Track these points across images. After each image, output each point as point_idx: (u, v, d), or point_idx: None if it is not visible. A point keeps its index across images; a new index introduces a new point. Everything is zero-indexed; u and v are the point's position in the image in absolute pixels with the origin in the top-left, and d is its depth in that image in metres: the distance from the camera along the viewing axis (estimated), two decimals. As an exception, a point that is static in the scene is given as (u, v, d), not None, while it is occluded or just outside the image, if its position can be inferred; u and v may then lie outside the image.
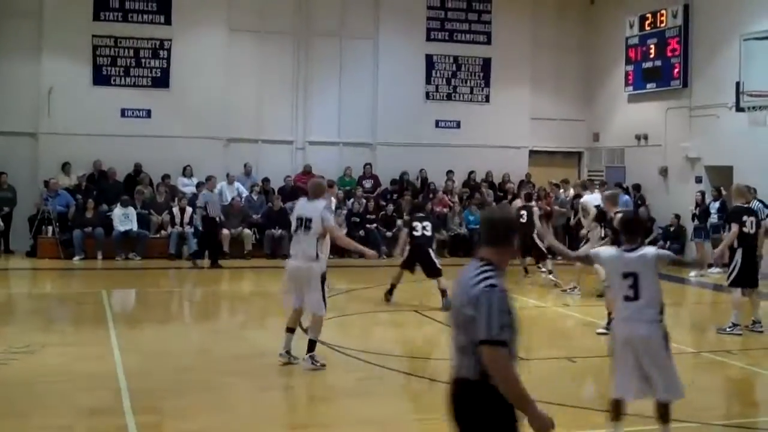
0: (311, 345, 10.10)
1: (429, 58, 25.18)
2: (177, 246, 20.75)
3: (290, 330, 10.18)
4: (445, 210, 23.10)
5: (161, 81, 22.97)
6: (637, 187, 23.54)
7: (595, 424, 8.08)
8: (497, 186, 24.72)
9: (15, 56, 21.94)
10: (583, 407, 8.76)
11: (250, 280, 18.97)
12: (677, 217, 21.70)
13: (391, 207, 22.73)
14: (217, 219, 19.86)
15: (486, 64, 25.56)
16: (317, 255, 9.90)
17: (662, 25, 23.10)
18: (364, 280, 17.44)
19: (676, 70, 22.61)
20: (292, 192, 22.33)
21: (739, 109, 17.03)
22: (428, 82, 25.20)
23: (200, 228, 20.23)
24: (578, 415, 8.40)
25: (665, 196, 22.78)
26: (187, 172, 22.61)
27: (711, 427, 8.25)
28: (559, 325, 14.35)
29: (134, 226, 20.71)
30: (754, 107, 16.51)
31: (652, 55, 23.51)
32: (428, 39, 25.18)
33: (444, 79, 25.37)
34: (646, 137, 24.03)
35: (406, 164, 24.36)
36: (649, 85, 23.67)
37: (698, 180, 21.90)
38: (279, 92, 23.90)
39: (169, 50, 22.98)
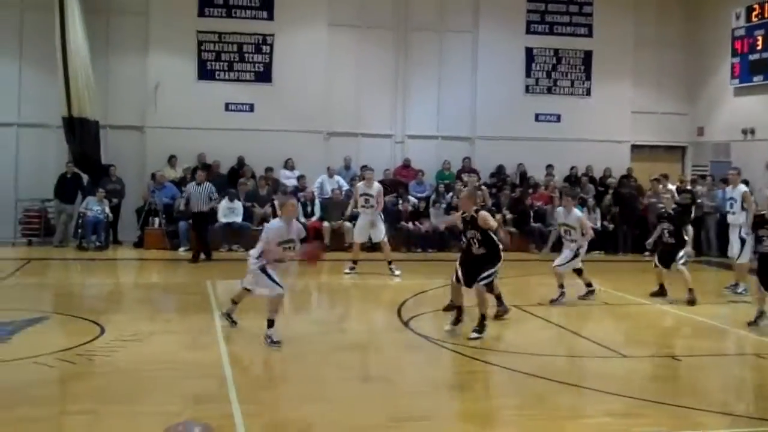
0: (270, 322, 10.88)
1: (529, 51, 24.99)
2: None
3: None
4: (545, 205, 22.85)
5: (264, 75, 23.34)
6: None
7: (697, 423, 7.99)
8: (598, 181, 24.39)
9: (123, 53, 22.61)
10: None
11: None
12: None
13: (490, 201, 22.61)
14: (205, 211, 19.41)
15: (587, 57, 25.25)
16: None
17: (773, 17, 22.52)
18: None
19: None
20: (391, 185, 22.44)
21: None
22: (528, 75, 25.02)
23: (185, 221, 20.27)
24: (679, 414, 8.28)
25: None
26: (288, 165, 22.93)
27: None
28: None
29: (239, 218, 21.09)
30: None
31: (759, 47, 22.90)
32: (528, 32, 24.99)
33: (544, 72, 25.16)
34: (753, 131, 23.41)
35: (505, 158, 24.26)
36: (756, 78, 23.05)
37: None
38: (378, 86, 24.08)
39: (271, 45, 23.33)
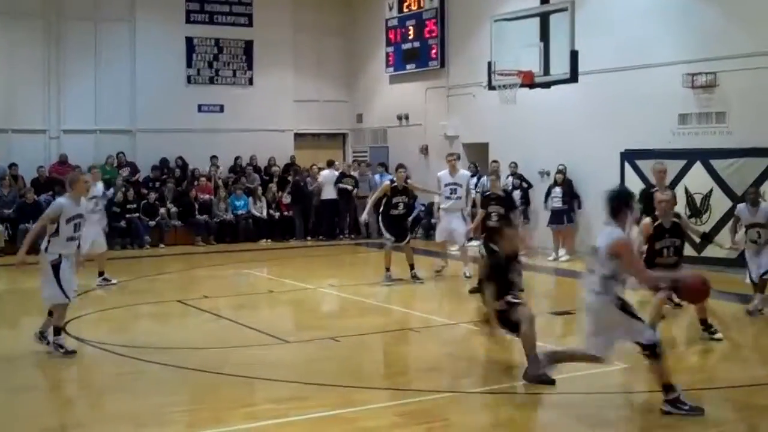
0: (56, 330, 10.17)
1: (189, 41, 24.61)
2: None
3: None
4: (210, 196, 22.63)
5: None
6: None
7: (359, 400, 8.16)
8: (263, 170, 24.55)
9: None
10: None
11: (3, 278, 17.82)
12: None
13: (153, 195, 22.02)
14: None
15: (248, 46, 25.29)
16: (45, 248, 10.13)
17: (420, 6, 23.66)
18: (125, 273, 16.80)
19: (434, 51, 23.24)
20: (46, 183, 21.25)
21: (491, 88, 17.61)
22: (189, 65, 24.64)
23: None
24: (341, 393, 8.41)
25: (426, 173, 23.36)
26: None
27: (469, 395, 8.48)
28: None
29: None
30: (504, 86, 17.12)
31: (411, 37, 24.04)
32: (188, 21, 24.61)
33: (206, 63, 24.88)
34: (407, 117, 24.57)
35: (169, 151, 23.75)
36: (408, 66, 24.20)
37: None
38: (29, 78, 22.61)
39: None
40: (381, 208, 15.70)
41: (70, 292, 10.22)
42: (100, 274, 15.27)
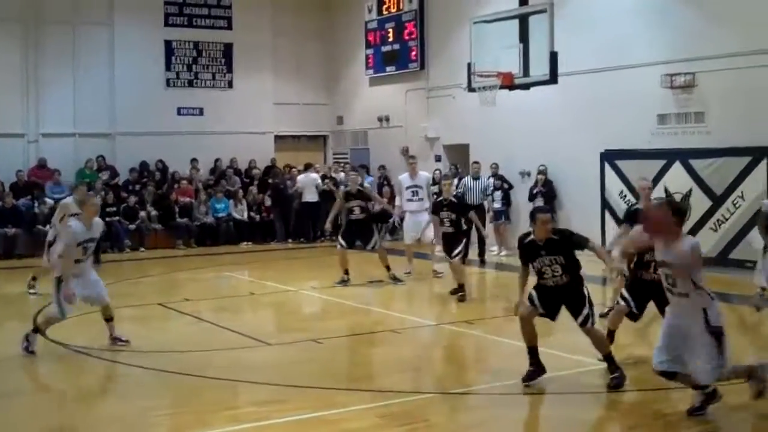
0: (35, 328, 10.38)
1: (168, 44, 24.55)
2: None
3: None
4: (190, 199, 22.56)
5: None
6: (381, 167, 24.07)
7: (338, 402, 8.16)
8: (243, 172, 24.51)
9: None
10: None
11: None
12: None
13: (133, 198, 21.92)
14: None
15: (227, 49, 25.24)
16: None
17: (399, 9, 23.69)
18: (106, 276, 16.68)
19: (414, 53, 23.28)
20: (25, 187, 21.15)
21: (471, 89, 17.65)
22: (168, 68, 24.57)
23: None
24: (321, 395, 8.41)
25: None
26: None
27: (450, 396, 8.49)
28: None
29: None
30: (483, 87, 17.17)
31: (390, 39, 24.07)
32: (167, 24, 24.54)
33: (185, 66, 24.81)
34: (387, 119, 24.59)
35: (148, 154, 23.66)
36: (388, 68, 24.23)
37: (437, 158, 22.67)
38: (7, 82, 22.48)
39: None
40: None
41: (68, 310, 10.23)
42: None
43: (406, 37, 23.52)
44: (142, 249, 21.28)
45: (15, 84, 22.63)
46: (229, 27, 25.27)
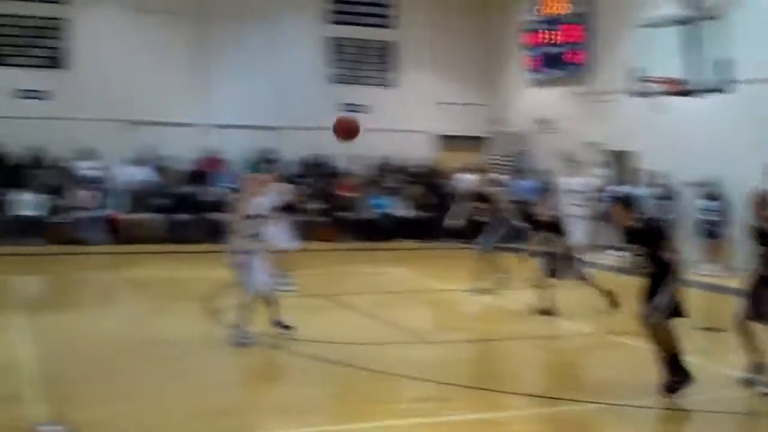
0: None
1: (331, 41, 25.14)
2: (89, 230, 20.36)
3: None
4: (352, 194, 22.99)
5: (60, 61, 22.43)
6: (541, 171, 23.86)
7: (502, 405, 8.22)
8: (405, 170, 24.80)
9: None
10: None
11: (160, 265, 18.52)
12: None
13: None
14: None
15: (389, 48, 25.65)
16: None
17: (563, 10, 23.41)
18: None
19: (579, 56, 22.94)
20: (198, 175, 22.06)
21: (637, 95, 17.33)
22: (331, 65, 25.17)
23: None
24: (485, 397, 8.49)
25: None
26: (87, 155, 22.02)
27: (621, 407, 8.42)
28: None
29: (39, 211, 20.24)
30: (651, 93, 16.85)
31: (553, 41, 23.80)
32: (330, 22, 25.18)
33: (347, 62, 25.41)
34: (548, 122, 24.35)
35: (311, 148, 24.14)
36: (550, 70, 23.97)
37: (602, 164, 22.24)
38: (183, 74, 23.49)
39: (68, 30, 22.46)
40: None
41: (250, 288, 10.46)
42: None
43: (571, 40, 23.21)
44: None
45: (192, 77, 23.61)
46: (392, 26, 25.69)
